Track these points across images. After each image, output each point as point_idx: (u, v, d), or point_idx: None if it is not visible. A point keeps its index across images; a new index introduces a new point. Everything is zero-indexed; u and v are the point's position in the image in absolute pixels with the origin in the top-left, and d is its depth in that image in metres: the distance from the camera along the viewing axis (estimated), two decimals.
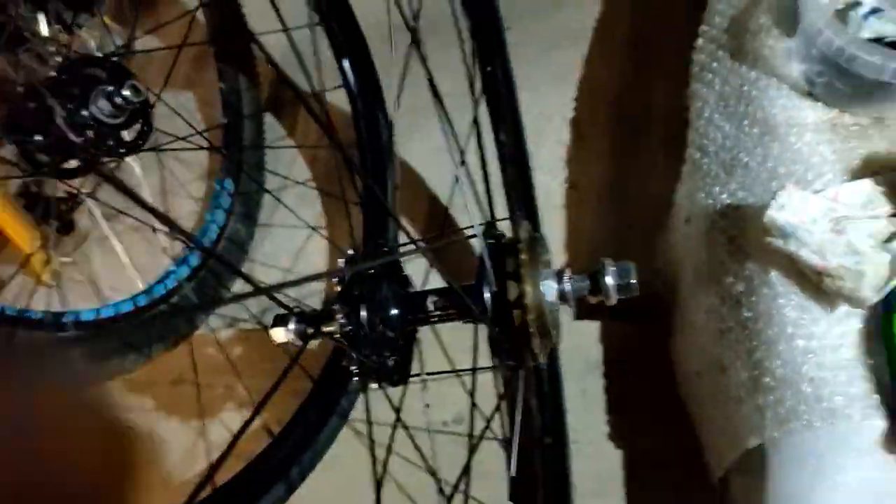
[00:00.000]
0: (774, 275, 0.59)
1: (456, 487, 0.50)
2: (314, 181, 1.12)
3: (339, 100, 0.99)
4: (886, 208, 0.57)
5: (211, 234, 1.00)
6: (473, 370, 0.61)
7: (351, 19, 0.89)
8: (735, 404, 0.63)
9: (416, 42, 0.44)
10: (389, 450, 0.53)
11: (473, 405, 0.60)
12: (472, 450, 0.46)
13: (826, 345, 0.56)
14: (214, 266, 0.96)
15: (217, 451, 0.88)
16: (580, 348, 0.85)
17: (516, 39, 1.10)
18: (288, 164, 1.15)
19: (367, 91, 0.93)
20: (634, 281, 0.48)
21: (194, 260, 0.97)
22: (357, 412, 0.82)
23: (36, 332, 0.76)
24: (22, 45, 0.94)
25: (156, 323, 0.86)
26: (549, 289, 0.47)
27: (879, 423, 0.52)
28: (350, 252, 0.47)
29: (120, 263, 1.01)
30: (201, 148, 0.98)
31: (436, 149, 1.08)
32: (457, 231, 0.90)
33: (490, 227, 0.48)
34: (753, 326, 0.62)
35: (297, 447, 0.63)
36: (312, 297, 0.98)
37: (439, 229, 0.91)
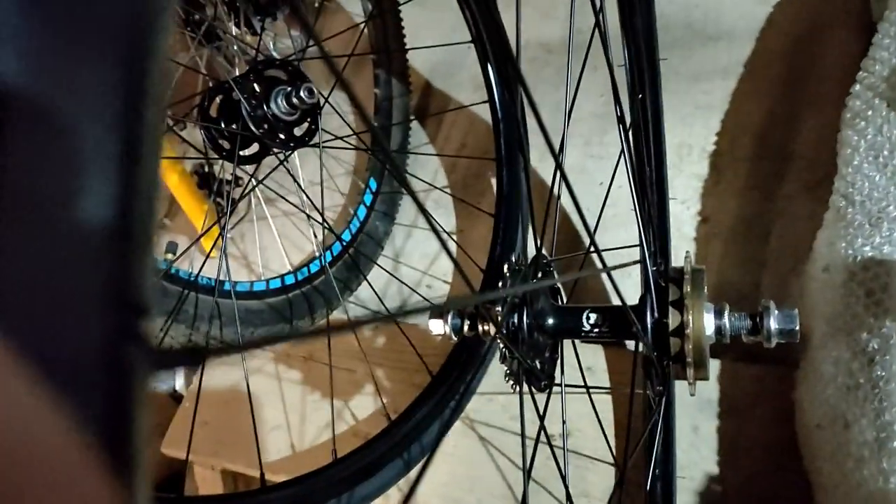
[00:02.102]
0: None
1: None
2: (450, 188, 1.17)
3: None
4: None
5: (352, 228, 1.08)
6: (631, 390, 0.63)
7: (501, 37, 0.94)
8: (855, 463, 0.61)
9: (599, 25, 0.47)
10: (535, 449, 0.56)
11: (629, 427, 0.60)
12: (623, 474, 0.48)
13: None
14: (354, 256, 1.04)
15: (338, 426, 0.95)
16: (696, 385, 0.84)
17: (664, 69, 1.10)
18: (428, 170, 1.21)
19: (509, 108, 0.97)
20: (797, 328, 0.47)
21: (337, 248, 1.05)
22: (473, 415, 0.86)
23: (202, 295, 0.85)
24: (214, 43, 1.06)
25: (297, 301, 0.95)
26: (709, 322, 0.48)
27: None
28: (513, 260, 0.51)
29: (272, 244, 1.12)
30: (356, 148, 1.05)
31: (575, 171, 1.10)
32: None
33: (652, 254, 0.50)
34: (885, 386, 0.60)
35: (414, 430, 0.67)
36: (437, 299, 1.03)
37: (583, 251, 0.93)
